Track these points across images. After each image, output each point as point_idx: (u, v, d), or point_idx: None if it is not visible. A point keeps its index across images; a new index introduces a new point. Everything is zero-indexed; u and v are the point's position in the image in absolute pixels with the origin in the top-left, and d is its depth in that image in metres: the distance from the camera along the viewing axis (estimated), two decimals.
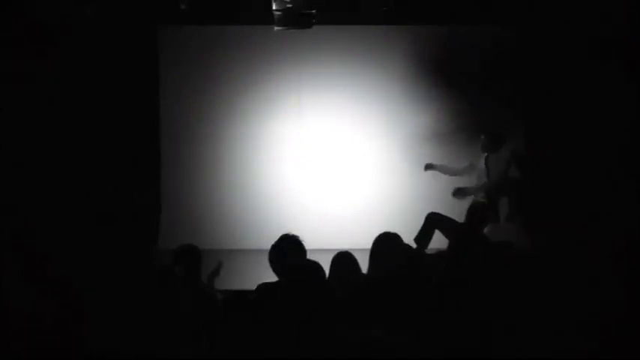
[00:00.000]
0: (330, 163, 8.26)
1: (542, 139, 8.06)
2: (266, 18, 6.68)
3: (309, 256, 4.31)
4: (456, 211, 7.84)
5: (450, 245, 6.28)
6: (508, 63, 8.14)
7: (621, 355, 3.82)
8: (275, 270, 4.22)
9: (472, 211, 6.81)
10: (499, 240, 5.51)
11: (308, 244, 4.27)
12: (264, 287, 4.20)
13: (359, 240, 7.80)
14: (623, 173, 7.54)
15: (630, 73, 7.49)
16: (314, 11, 6.42)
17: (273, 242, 4.29)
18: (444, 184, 8.16)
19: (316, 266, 4.53)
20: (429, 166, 7.62)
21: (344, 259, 4.67)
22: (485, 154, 7.37)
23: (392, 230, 4.60)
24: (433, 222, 7.08)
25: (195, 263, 4.97)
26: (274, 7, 6.34)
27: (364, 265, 4.59)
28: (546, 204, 7.96)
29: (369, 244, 4.56)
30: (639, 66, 7.48)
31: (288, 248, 4.22)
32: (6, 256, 5.99)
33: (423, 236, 7.06)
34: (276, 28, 6.56)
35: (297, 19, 6.44)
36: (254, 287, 4.23)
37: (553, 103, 7.92)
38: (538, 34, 7.95)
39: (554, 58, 7.86)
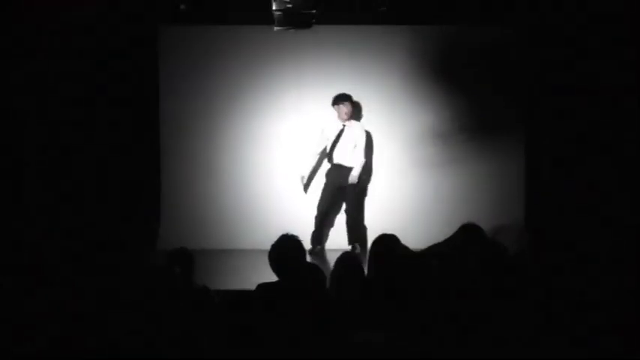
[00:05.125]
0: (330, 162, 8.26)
1: (542, 139, 8.06)
2: (266, 18, 6.68)
3: (310, 255, 4.31)
4: (457, 212, 7.88)
5: (448, 244, 6.26)
6: (508, 63, 8.13)
7: (621, 356, 3.82)
8: (275, 270, 4.22)
9: None
10: (497, 240, 5.50)
11: (308, 244, 4.27)
12: (264, 287, 4.20)
13: None
14: (624, 173, 7.54)
15: (632, 73, 7.48)
16: (314, 11, 6.42)
17: (273, 242, 4.28)
18: (444, 184, 8.18)
19: (315, 268, 4.54)
20: None
21: (348, 260, 4.67)
22: None
23: (392, 231, 4.59)
24: None
25: (188, 265, 4.96)
26: (274, 7, 6.34)
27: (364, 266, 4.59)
28: (546, 204, 7.96)
29: (368, 244, 4.56)
30: None
31: (288, 248, 4.22)
32: (4, 256, 5.99)
33: None
34: (276, 28, 6.56)
35: (297, 19, 6.44)
36: (254, 287, 4.24)
37: (554, 103, 7.91)
38: (538, 34, 7.95)
39: (555, 58, 7.86)
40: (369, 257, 4.48)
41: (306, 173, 8.04)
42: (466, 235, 4.62)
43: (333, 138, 7.86)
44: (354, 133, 7.85)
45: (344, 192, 7.92)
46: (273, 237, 4.33)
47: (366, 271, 4.58)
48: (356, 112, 8.01)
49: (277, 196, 8.18)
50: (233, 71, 8.16)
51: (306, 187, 8.08)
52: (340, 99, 7.79)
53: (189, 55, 8.14)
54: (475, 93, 8.14)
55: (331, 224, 8.09)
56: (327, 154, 7.93)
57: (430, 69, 8.15)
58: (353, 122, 7.90)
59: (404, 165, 8.22)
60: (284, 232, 4.33)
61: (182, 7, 7.41)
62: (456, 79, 8.14)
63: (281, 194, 8.18)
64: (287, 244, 4.23)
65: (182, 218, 8.10)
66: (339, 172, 7.85)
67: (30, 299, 4.31)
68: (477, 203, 7.98)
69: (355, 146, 7.84)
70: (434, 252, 4.75)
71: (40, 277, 4.91)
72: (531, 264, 4.34)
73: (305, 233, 4.44)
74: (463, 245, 4.53)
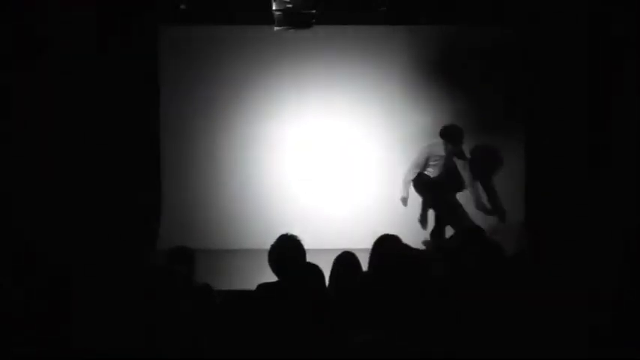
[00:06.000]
0: (330, 162, 8.26)
1: (542, 139, 8.06)
2: (266, 18, 6.68)
3: (309, 256, 4.32)
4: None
5: (448, 244, 6.28)
6: (508, 63, 8.13)
7: (621, 355, 3.82)
8: (274, 270, 4.22)
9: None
10: (498, 240, 5.51)
11: (308, 245, 4.27)
12: (264, 287, 4.21)
13: (359, 240, 7.82)
14: (625, 173, 7.53)
15: (632, 72, 7.47)
16: (314, 11, 6.42)
17: (272, 242, 4.29)
18: None
19: (315, 268, 4.54)
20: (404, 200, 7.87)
21: (347, 260, 4.67)
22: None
23: (392, 231, 4.60)
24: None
25: (189, 264, 4.96)
26: (274, 7, 6.34)
27: (364, 266, 4.59)
28: (546, 204, 7.96)
29: (369, 244, 4.56)
30: None
31: (288, 248, 4.22)
32: (4, 256, 5.99)
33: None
34: (276, 28, 6.57)
35: (297, 19, 6.45)
36: (254, 287, 4.24)
37: (554, 103, 7.91)
38: (538, 34, 7.95)
39: (555, 58, 7.86)
40: (370, 257, 4.48)
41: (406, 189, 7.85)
42: (466, 235, 4.62)
43: (439, 164, 7.77)
44: (460, 165, 7.80)
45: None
46: (273, 237, 4.33)
47: (366, 271, 4.59)
48: (463, 145, 7.83)
49: (277, 196, 8.19)
50: (233, 71, 8.16)
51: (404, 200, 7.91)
52: (448, 136, 7.67)
53: (189, 55, 8.14)
54: (475, 93, 8.14)
55: None
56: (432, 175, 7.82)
57: (430, 69, 8.15)
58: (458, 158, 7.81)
59: (404, 165, 8.21)
60: (284, 232, 4.34)
61: (182, 7, 7.41)
62: (456, 79, 8.14)
63: (281, 194, 8.19)
64: (286, 244, 4.24)
65: (182, 218, 8.11)
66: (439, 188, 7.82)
67: (30, 299, 4.31)
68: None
69: (459, 175, 7.81)
70: (434, 252, 4.76)
71: (40, 277, 4.91)
72: (531, 264, 4.34)
73: (305, 233, 4.43)
74: (463, 245, 4.53)
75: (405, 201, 7.82)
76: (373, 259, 4.46)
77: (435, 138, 8.14)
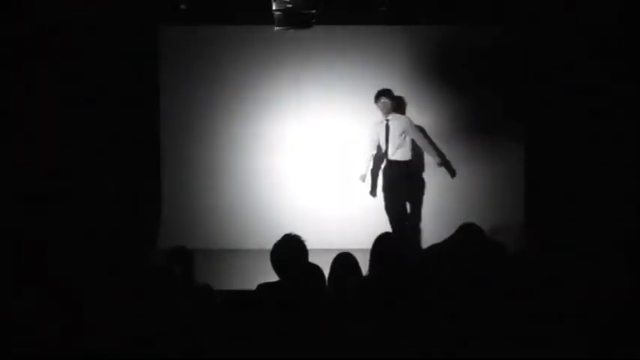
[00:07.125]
0: (330, 162, 8.26)
1: (542, 139, 8.06)
2: (266, 18, 6.68)
3: (309, 255, 4.32)
4: (457, 212, 7.88)
5: (448, 244, 6.28)
6: (509, 63, 8.13)
7: (622, 355, 3.82)
8: (276, 269, 4.22)
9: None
10: (497, 240, 5.51)
11: (308, 244, 4.28)
12: (264, 287, 4.21)
13: (359, 240, 7.83)
14: (624, 173, 7.53)
15: (632, 73, 7.48)
16: (314, 11, 6.43)
17: (273, 242, 4.29)
18: (444, 184, 8.18)
19: (315, 268, 4.54)
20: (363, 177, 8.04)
21: (345, 260, 4.67)
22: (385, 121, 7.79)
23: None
24: None
25: (187, 264, 4.96)
26: (274, 7, 6.35)
27: (364, 266, 4.59)
28: (546, 204, 7.96)
29: (369, 244, 4.56)
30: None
31: (291, 248, 4.22)
32: (4, 255, 5.99)
33: None
34: (276, 28, 6.57)
35: (297, 19, 6.45)
36: (254, 287, 4.24)
37: (554, 103, 7.91)
38: (538, 34, 7.95)
39: (555, 58, 7.86)
40: (370, 255, 4.48)
41: (367, 173, 8.01)
42: (466, 235, 4.62)
43: (382, 135, 7.81)
44: (400, 125, 7.76)
45: (401, 186, 7.87)
46: (274, 237, 4.34)
47: (366, 270, 4.59)
48: (399, 105, 7.96)
49: (277, 196, 8.19)
50: (233, 71, 8.16)
51: (373, 188, 8.09)
52: (378, 95, 7.78)
53: (189, 55, 8.14)
54: (475, 93, 8.14)
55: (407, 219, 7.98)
56: (383, 152, 7.86)
57: (430, 69, 8.15)
58: (397, 115, 7.83)
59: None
60: (285, 231, 4.34)
61: (182, 7, 7.42)
62: (456, 79, 8.14)
63: (281, 194, 8.19)
64: (290, 243, 4.24)
65: (182, 218, 8.11)
66: (393, 167, 7.81)
67: (30, 299, 4.31)
68: (477, 203, 7.99)
69: (404, 139, 7.76)
70: (434, 252, 4.76)
71: (39, 277, 4.91)
72: (531, 264, 4.34)
73: (305, 233, 4.43)
74: (463, 245, 4.53)
75: (363, 178, 8.00)
76: (373, 257, 4.47)
77: (435, 137, 8.17)
